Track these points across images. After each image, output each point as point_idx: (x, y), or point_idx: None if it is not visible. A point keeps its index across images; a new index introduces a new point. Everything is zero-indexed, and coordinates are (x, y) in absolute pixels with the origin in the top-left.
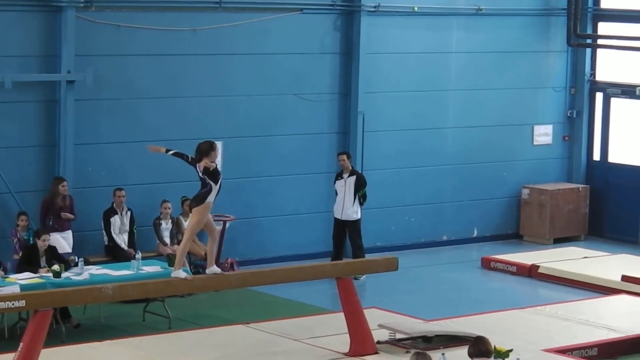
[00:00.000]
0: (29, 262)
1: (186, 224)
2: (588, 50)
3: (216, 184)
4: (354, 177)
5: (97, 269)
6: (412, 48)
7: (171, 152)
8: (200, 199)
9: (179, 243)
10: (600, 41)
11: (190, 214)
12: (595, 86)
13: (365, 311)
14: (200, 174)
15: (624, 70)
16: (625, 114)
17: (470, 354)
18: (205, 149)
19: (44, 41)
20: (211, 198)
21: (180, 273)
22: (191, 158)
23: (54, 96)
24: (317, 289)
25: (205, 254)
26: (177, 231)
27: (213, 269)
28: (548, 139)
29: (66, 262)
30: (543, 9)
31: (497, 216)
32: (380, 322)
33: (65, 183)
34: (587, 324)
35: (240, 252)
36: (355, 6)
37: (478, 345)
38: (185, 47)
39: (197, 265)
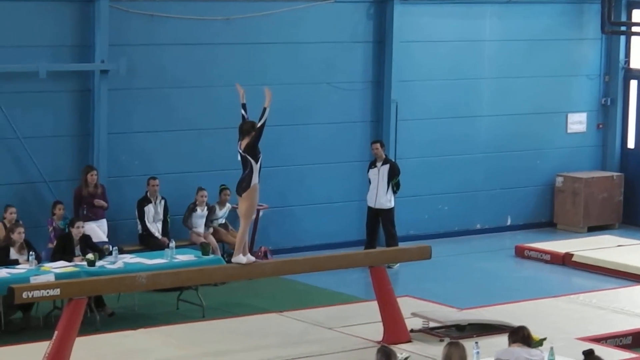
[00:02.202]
0: (63, 251)
1: (220, 212)
2: (622, 38)
3: (257, 162)
4: (387, 166)
5: (131, 258)
6: (445, 36)
7: (243, 102)
8: (246, 183)
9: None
10: (634, 28)
11: (240, 200)
12: (630, 74)
13: (399, 299)
14: (242, 152)
15: None
16: None
17: (512, 340)
18: (247, 129)
19: (77, 31)
20: (255, 179)
21: (241, 258)
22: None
23: (87, 86)
24: (350, 278)
25: None
26: (211, 218)
27: (238, 258)
28: (582, 127)
29: (100, 251)
30: None
31: (531, 204)
32: (414, 310)
33: (94, 172)
34: (621, 313)
35: (273, 240)
36: None
37: (521, 332)
38: (218, 36)
39: (230, 254)
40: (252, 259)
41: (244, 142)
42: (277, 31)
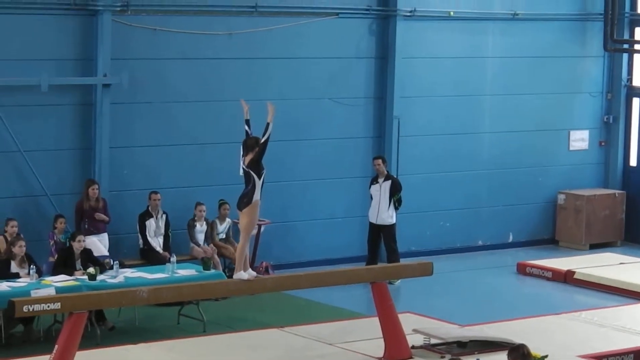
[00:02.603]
0: (64, 265)
1: (221, 227)
2: (625, 55)
3: (260, 178)
4: (389, 182)
5: (132, 272)
6: (448, 52)
7: (247, 118)
8: (247, 198)
9: (215, 245)
10: (637, 46)
11: (240, 215)
12: (632, 91)
13: (400, 316)
14: (245, 167)
15: None
16: None
17: (511, 358)
18: (251, 145)
19: (80, 44)
20: (257, 195)
21: (242, 274)
22: (243, 150)
23: (90, 99)
24: (351, 293)
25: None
26: (211, 233)
27: (240, 274)
28: (584, 144)
29: (101, 265)
30: (579, 14)
31: (533, 221)
32: (415, 326)
33: (96, 186)
34: (623, 330)
35: (274, 255)
36: (391, 10)
37: (520, 350)
38: (221, 50)
39: (231, 268)
40: (254, 274)
41: (248, 158)
42: (280, 46)
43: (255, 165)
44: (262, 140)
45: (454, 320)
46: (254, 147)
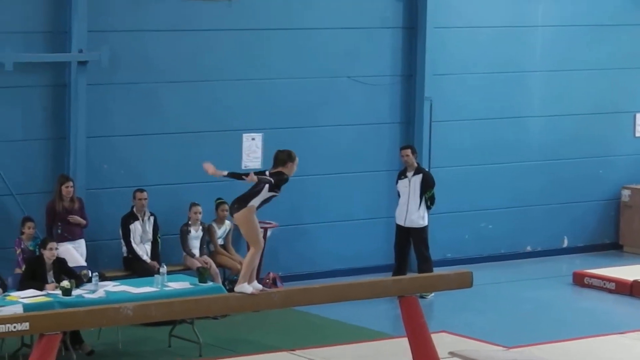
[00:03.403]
0: (33, 277)
1: (219, 231)
2: None
3: (269, 190)
4: (419, 176)
5: (114, 285)
6: (489, 21)
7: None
8: (242, 202)
9: (210, 254)
10: None
11: (235, 222)
12: None
13: (433, 336)
14: (259, 176)
15: None
16: None
17: None
18: (283, 159)
19: (50, 15)
20: (255, 202)
21: (246, 287)
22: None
23: (62, 80)
24: (375, 310)
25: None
26: (209, 240)
27: (243, 287)
28: None
29: (78, 277)
30: None
31: (592, 223)
32: (452, 349)
33: (70, 183)
34: None
35: (283, 265)
36: None
37: None
38: (218, 21)
39: (232, 280)
40: (259, 287)
41: (275, 170)
42: (288, 15)
43: (277, 181)
44: (287, 177)
45: (498, 342)
46: (286, 161)
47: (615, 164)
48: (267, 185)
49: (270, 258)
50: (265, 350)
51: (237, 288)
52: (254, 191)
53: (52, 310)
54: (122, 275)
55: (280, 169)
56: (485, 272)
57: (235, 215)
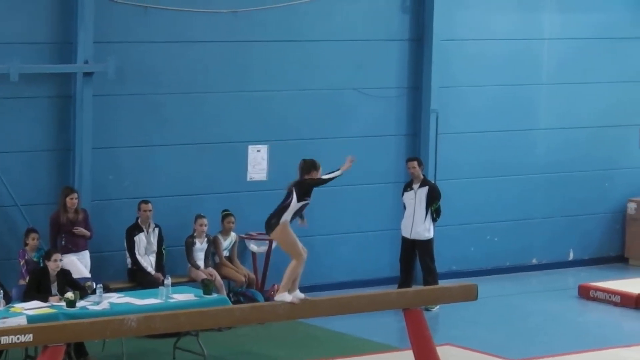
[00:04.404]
0: (38, 289)
1: (225, 243)
2: None
3: (298, 201)
4: (425, 188)
5: (118, 297)
6: (495, 34)
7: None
8: (275, 219)
9: (215, 266)
10: None
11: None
12: None
13: (438, 348)
14: (289, 186)
15: None
16: None
17: None
18: (307, 168)
19: (56, 26)
20: (287, 216)
21: (285, 296)
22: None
23: (68, 91)
24: (381, 322)
25: (248, 280)
26: (214, 252)
27: (283, 296)
28: None
29: (82, 289)
30: None
31: (598, 235)
32: None
33: (74, 195)
34: None
35: None
36: None
37: None
38: (224, 32)
39: (237, 292)
40: (301, 296)
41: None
42: (295, 26)
43: (303, 189)
44: (324, 177)
45: (503, 354)
46: (310, 170)
47: (621, 177)
48: (294, 197)
49: (276, 270)
50: None
51: (278, 297)
52: (283, 206)
53: (56, 321)
54: (127, 286)
55: (305, 177)
56: (490, 284)
57: (271, 235)
